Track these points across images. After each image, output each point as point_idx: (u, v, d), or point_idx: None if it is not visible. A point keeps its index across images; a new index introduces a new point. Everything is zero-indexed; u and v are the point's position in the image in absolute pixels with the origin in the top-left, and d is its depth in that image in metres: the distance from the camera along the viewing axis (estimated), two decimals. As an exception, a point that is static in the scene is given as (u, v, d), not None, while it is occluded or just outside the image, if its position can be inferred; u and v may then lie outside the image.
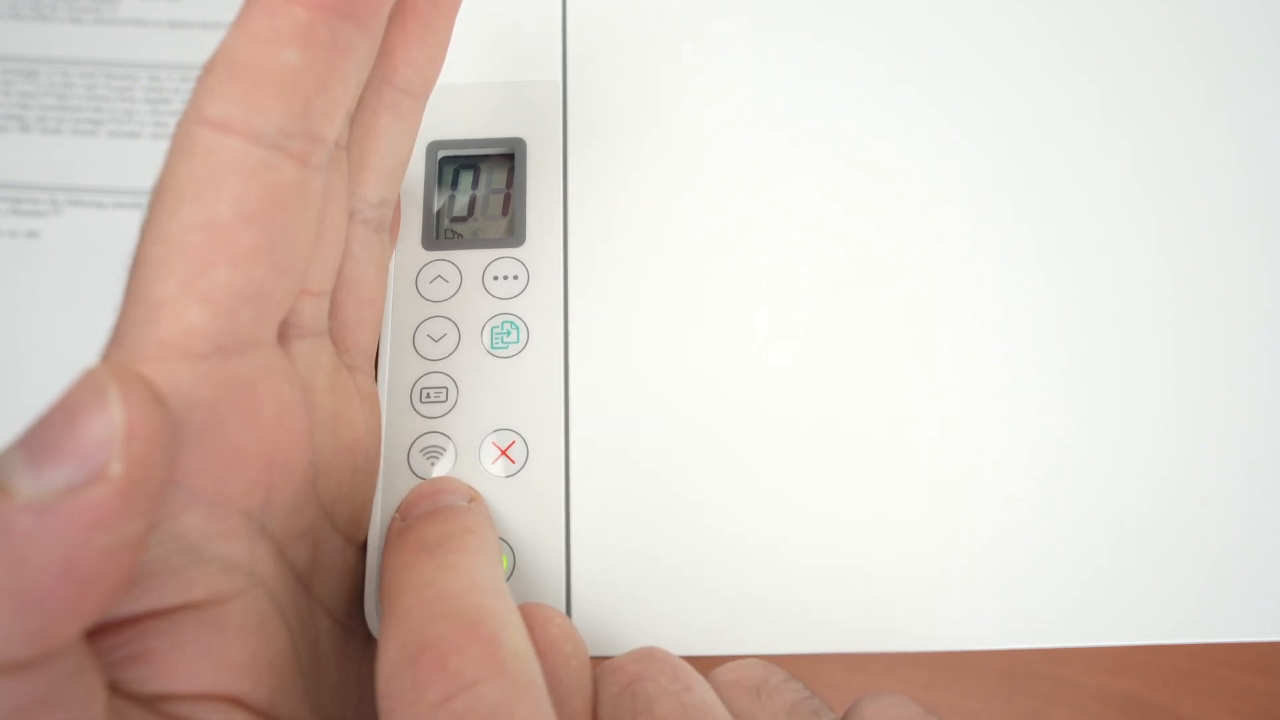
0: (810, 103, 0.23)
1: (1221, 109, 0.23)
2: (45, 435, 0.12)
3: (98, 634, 0.14)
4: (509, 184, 0.23)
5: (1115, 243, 0.22)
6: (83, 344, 0.34)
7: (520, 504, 0.20)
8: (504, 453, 0.20)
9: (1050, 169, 0.22)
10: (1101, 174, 0.22)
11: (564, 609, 0.19)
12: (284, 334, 0.17)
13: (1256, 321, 0.21)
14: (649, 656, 0.16)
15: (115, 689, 0.14)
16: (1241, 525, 0.20)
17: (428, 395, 0.21)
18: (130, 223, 0.35)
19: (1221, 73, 0.23)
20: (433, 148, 0.23)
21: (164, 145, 0.35)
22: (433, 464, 0.20)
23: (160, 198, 0.14)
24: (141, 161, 0.36)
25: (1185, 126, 0.23)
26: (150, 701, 0.14)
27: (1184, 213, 0.22)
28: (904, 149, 0.23)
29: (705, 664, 0.18)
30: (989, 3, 0.24)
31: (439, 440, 0.20)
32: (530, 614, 0.16)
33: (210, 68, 0.15)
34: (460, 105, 0.23)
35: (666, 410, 0.21)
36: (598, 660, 0.17)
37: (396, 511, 0.19)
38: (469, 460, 0.20)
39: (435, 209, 0.22)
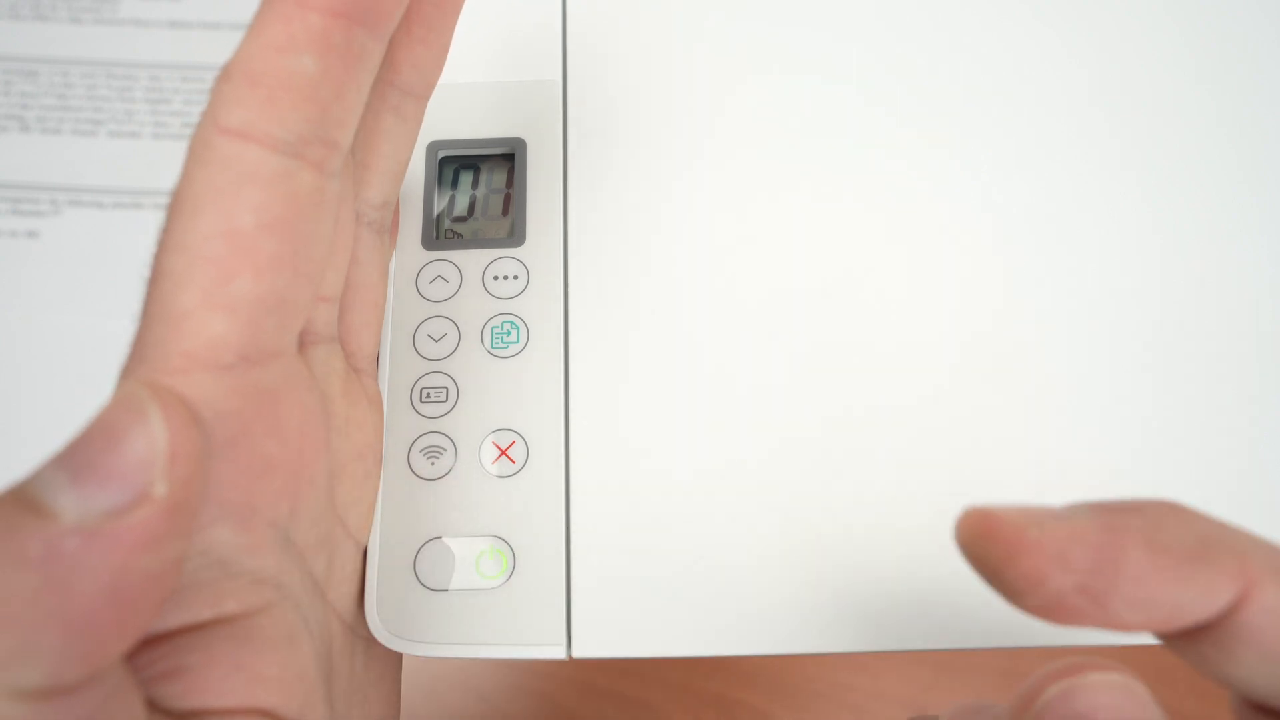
0: (810, 102, 0.23)
1: (1220, 109, 0.23)
2: (86, 454, 0.12)
3: (133, 651, 0.14)
4: (509, 184, 0.22)
5: (1113, 242, 0.22)
6: (83, 344, 0.34)
7: (520, 504, 0.20)
8: (504, 453, 0.20)
9: (1051, 170, 0.22)
10: (1100, 175, 0.22)
11: (564, 609, 0.19)
12: (300, 341, 0.17)
13: (1256, 321, 0.21)
14: None
15: (151, 705, 0.14)
16: (1241, 525, 0.20)
17: (428, 395, 0.21)
18: (130, 223, 0.35)
19: (1220, 73, 0.23)
20: (433, 148, 0.23)
21: (164, 145, 0.35)
22: (433, 464, 0.20)
23: (179, 207, 0.14)
24: (141, 161, 0.36)
25: (1186, 126, 0.23)
26: (185, 717, 0.14)
27: (1183, 212, 0.22)
28: (906, 148, 0.23)
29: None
30: (989, 6, 0.24)
31: (439, 440, 0.20)
32: None
33: (227, 75, 0.14)
34: (460, 105, 0.23)
35: (667, 410, 0.21)
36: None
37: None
38: (469, 460, 0.20)
39: (435, 209, 0.22)
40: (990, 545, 0.13)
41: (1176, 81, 0.23)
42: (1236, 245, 0.22)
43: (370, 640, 0.19)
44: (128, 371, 0.14)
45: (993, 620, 0.19)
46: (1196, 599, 0.13)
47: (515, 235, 0.22)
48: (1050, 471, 0.20)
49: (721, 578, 0.20)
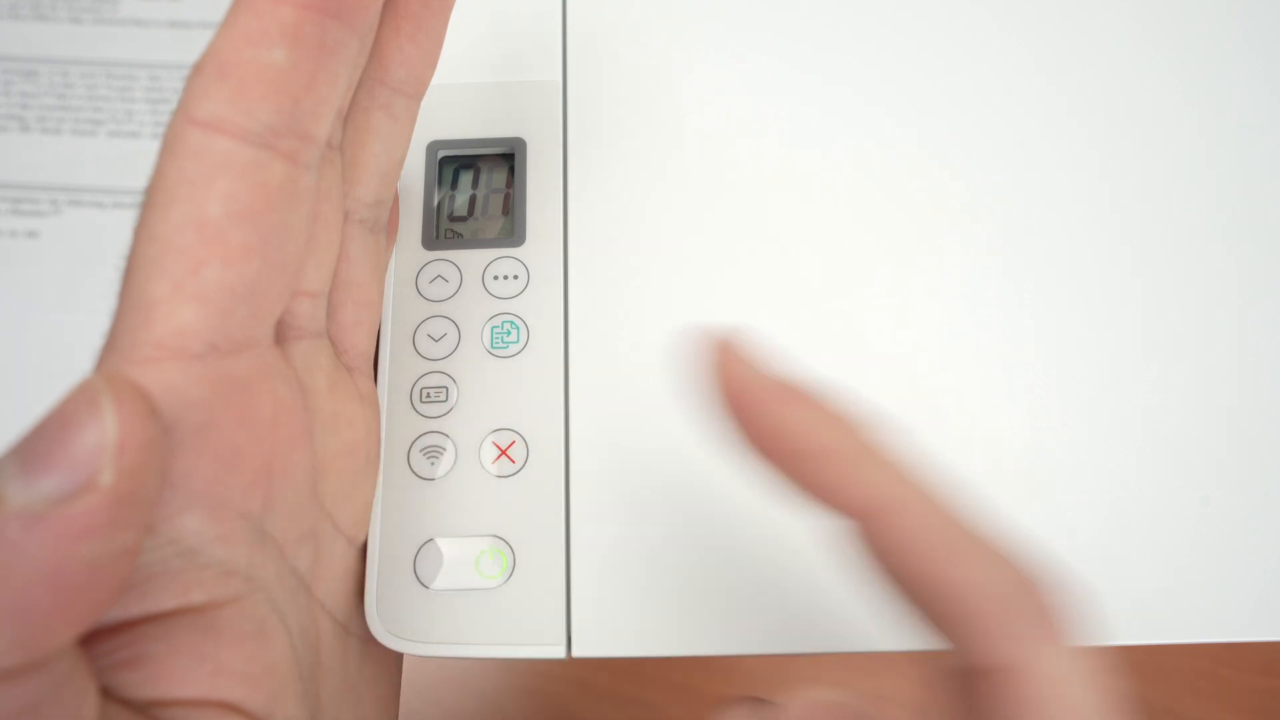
0: (809, 102, 0.23)
1: (1212, 105, 0.23)
2: (38, 444, 0.12)
3: (92, 638, 0.14)
4: (509, 184, 0.23)
5: (1117, 240, 0.22)
6: (83, 344, 0.34)
7: (520, 504, 0.20)
8: (504, 453, 0.20)
9: (1054, 167, 0.22)
10: (1104, 173, 0.22)
11: (563, 609, 0.19)
12: (282, 335, 0.17)
13: (1256, 321, 0.21)
14: None
15: (109, 694, 0.14)
16: (1241, 525, 0.20)
17: (428, 395, 0.21)
18: (130, 223, 0.35)
19: (1210, 73, 0.23)
20: (433, 147, 0.23)
21: (164, 145, 0.35)
22: (433, 464, 0.20)
23: (152, 198, 0.14)
24: (141, 161, 0.36)
25: (1184, 120, 0.23)
26: (144, 707, 0.14)
27: (1185, 210, 0.22)
28: (907, 147, 0.23)
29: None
30: (990, 5, 0.24)
31: (439, 440, 0.20)
32: None
33: (198, 68, 0.15)
34: (460, 105, 0.23)
35: (667, 410, 0.21)
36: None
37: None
38: (469, 460, 0.20)
39: (435, 209, 0.22)
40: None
41: (1171, 84, 0.23)
42: (1239, 244, 0.22)
43: (366, 639, 0.19)
44: (102, 360, 0.14)
45: (992, 620, 0.19)
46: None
47: (515, 235, 0.22)
48: (1049, 472, 0.20)
49: (721, 577, 0.20)
